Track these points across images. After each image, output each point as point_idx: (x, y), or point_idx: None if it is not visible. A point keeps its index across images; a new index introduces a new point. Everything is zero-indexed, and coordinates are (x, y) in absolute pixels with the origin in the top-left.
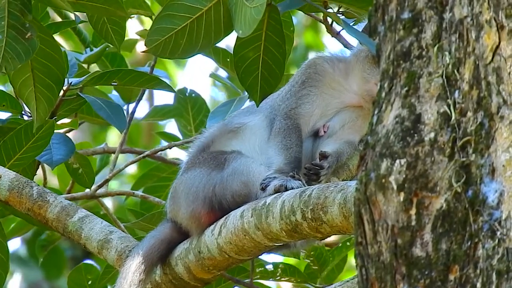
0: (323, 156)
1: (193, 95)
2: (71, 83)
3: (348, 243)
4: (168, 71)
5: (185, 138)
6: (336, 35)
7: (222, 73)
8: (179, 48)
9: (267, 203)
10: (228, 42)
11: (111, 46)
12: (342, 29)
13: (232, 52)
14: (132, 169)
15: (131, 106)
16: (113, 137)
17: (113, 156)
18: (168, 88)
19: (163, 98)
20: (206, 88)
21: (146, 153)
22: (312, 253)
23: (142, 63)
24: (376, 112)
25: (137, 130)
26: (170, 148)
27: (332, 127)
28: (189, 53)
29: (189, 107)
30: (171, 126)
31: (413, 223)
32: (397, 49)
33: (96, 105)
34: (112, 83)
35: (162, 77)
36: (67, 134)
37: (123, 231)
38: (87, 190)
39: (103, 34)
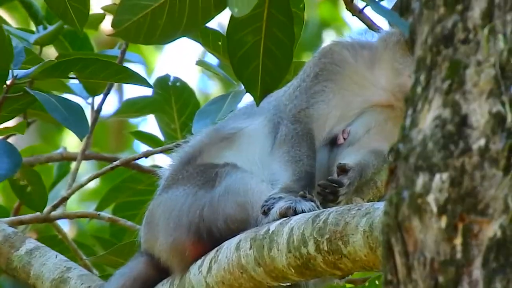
0: (343, 170)
1: (178, 84)
2: (16, 75)
3: (377, 282)
4: (144, 54)
5: (168, 139)
6: (358, 13)
7: (212, 58)
8: (156, 30)
9: (270, 231)
10: (221, 19)
11: None
12: (366, 5)
13: (224, 34)
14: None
15: (98, 99)
16: (73, 140)
17: (73, 164)
18: (143, 82)
19: (136, 88)
20: (192, 76)
21: (116, 163)
22: None
23: (111, 44)
24: (410, 112)
25: (104, 128)
26: (146, 156)
27: (353, 133)
28: (170, 37)
29: (173, 99)
30: (147, 124)
31: (459, 255)
32: (437, 32)
33: (49, 104)
34: (70, 76)
35: (136, 63)
36: (10, 141)
37: (86, 267)
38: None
39: (60, 12)
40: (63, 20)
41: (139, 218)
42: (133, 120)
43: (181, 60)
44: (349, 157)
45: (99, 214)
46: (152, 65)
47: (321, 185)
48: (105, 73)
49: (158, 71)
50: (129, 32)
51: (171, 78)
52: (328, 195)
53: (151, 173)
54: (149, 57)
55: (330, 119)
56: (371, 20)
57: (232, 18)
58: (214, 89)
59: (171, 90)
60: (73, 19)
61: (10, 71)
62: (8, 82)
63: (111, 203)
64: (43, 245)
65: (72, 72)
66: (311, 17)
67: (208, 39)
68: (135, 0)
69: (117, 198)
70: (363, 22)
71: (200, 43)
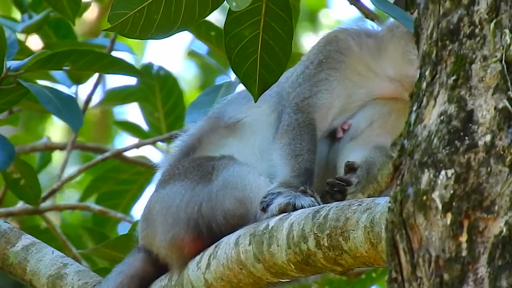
0: (351, 168)
1: (162, 72)
2: (9, 67)
3: (374, 274)
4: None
5: (152, 128)
6: (355, 1)
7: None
8: (153, 25)
9: (270, 227)
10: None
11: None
12: None
13: (216, 24)
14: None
15: (81, 88)
16: (55, 129)
17: (56, 154)
18: (137, 73)
19: (119, 76)
20: (177, 64)
21: (106, 154)
22: (326, 287)
23: (93, 31)
24: (414, 108)
25: (86, 118)
26: (137, 147)
27: (355, 126)
28: (166, 31)
29: (157, 88)
30: (130, 115)
31: (464, 253)
32: (442, 26)
33: (42, 96)
34: (64, 67)
35: (124, 51)
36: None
37: (75, 259)
38: None
39: (53, 2)
40: (55, 9)
41: (122, 207)
42: (116, 112)
43: (168, 48)
44: (354, 154)
45: (89, 206)
46: (140, 52)
47: (330, 183)
48: (98, 64)
49: (146, 59)
50: (125, 26)
51: (155, 67)
52: (336, 194)
53: (135, 163)
54: (136, 44)
55: (333, 108)
56: (368, 9)
57: (229, 12)
58: (196, 75)
59: (155, 79)
60: (65, 8)
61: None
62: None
63: (95, 192)
64: (39, 241)
65: (65, 64)
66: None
67: (200, 29)
68: None
69: (101, 188)
70: (360, 10)
71: (193, 34)
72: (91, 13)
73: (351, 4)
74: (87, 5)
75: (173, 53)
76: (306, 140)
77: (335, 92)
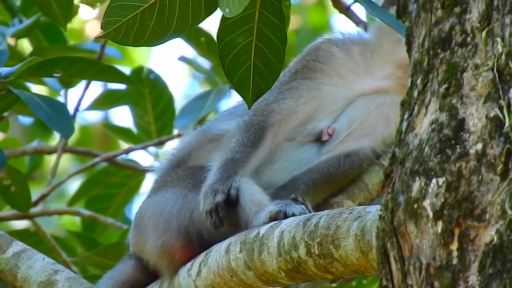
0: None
1: (151, 76)
2: (0, 74)
3: (364, 281)
4: (132, 53)
5: (141, 131)
6: (345, 10)
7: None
8: (146, 32)
9: (260, 235)
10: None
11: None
12: (353, 2)
13: (207, 30)
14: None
15: (71, 91)
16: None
17: (46, 157)
18: (128, 81)
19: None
20: (180, 84)
21: (96, 159)
22: None
23: (84, 35)
24: (406, 116)
25: (88, 134)
26: (127, 153)
27: (338, 131)
28: (159, 38)
29: (147, 91)
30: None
31: (455, 261)
32: (434, 35)
33: (33, 103)
34: (55, 75)
35: (115, 57)
36: None
37: (66, 265)
38: None
39: (44, 8)
40: (47, 16)
41: (111, 210)
42: (112, 115)
43: (169, 61)
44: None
45: (79, 212)
46: (131, 60)
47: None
48: (90, 71)
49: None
50: (118, 33)
51: (144, 70)
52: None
53: (125, 166)
54: (136, 55)
55: (297, 114)
56: (358, 17)
57: (223, 19)
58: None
59: (145, 82)
60: (57, 15)
61: None
62: None
63: (85, 196)
64: (30, 247)
65: (56, 71)
66: (304, 23)
67: (190, 33)
68: (124, 2)
69: (91, 191)
70: (350, 19)
71: (183, 39)
72: (94, 32)
73: (341, 12)
74: (76, 9)
75: (176, 74)
76: (246, 138)
77: (301, 100)
